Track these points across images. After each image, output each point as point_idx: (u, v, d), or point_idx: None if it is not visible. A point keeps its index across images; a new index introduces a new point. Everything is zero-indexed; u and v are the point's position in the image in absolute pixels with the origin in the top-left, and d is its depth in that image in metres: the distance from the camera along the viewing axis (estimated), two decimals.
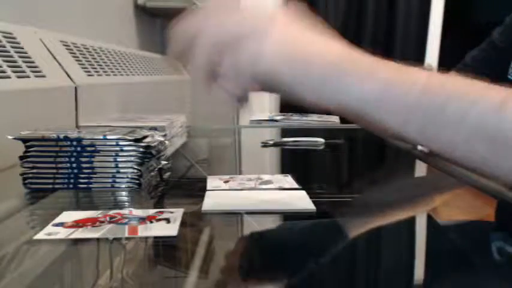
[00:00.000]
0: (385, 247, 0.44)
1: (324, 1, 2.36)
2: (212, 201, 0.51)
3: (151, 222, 0.44)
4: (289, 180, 0.61)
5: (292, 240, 0.44)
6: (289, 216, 0.49)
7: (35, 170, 0.55)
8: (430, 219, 0.53)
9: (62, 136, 0.55)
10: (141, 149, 0.56)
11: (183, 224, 0.43)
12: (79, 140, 0.55)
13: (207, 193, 0.54)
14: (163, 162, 0.63)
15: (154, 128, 0.71)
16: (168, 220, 0.44)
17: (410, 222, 0.53)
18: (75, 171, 0.55)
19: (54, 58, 0.89)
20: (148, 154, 0.58)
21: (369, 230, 0.48)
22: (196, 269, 0.36)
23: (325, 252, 0.41)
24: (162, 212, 0.46)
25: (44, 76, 0.81)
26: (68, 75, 0.90)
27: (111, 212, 0.46)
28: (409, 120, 0.34)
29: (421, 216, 0.56)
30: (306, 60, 0.36)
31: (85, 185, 0.56)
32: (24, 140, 0.55)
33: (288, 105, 0.63)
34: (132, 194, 0.55)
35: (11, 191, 0.57)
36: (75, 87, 0.90)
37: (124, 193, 0.55)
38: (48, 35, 0.93)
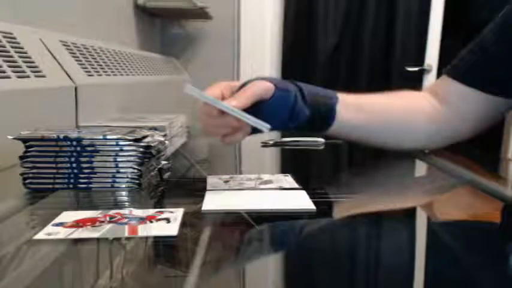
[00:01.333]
0: (385, 247, 0.44)
1: (324, 1, 2.36)
2: (212, 201, 0.51)
3: (151, 222, 0.44)
4: (289, 180, 0.61)
5: (292, 239, 0.44)
6: (289, 216, 0.49)
7: (35, 170, 0.55)
8: (430, 219, 0.53)
9: (62, 136, 0.55)
10: (141, 149, 0.56)
11: (183, 224, 0.43)
12: (79, 140, 0.55)
13: (207, 193, 0.54)
14: (163, 162, 0.63)
15: (154, 128, 0.71)
16: (168, 220, 0.44)
17: (410, 222, 0.53)
18: (75, 171, 0.55)
19: (54, 58, 0.89)
20: (148, 154, 0.58)
21: (369, 230, 0.48)
22: (196, 269, 0.36)
23: (323, 251, 0.41)
24: (162, 212, 0.46)
25: (44, 76, 0.81)
26: (68, 75, 0.90)
27: (111, 212, 0.46)
28: None
29: (420, 216, 0.56)
30: None
31: (85, 185, 0.56)
32: (24, 140, 0.55)
33: None
34: (132, 194, 0.55)
35: (11, 191, 0.57)
36: (75, 87, 0.90)
37: (124, 193, 0.55)
38: (48, 35, 0.93)
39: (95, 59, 1.10)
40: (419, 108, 0.72)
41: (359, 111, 0.68)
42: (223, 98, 0.56)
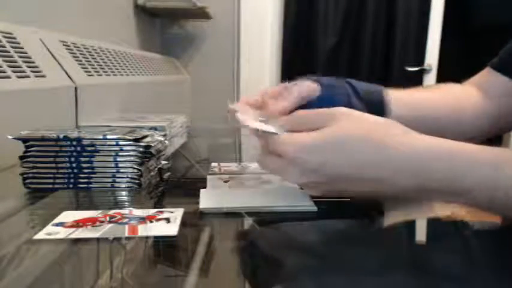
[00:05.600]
0: (385, 248, 0.44)
1: (324, 1, 2.36)
2: (209, 199, 0.51)
3: (151, 222, 0.44)
4: None
5: (292, 239, 0.44)
6: (289, 216, 0.49)
7: (35, 170, 0.55)
8: (430, 220, 0.52)
9: (61, 136, 0.55)
10: (141, 149, 0.56)
11: (183, 223, 0.43)
12: (79, 140, 0.55)
13: (202, 191, 0.54)
14: (163, 162, 0.63)
15: (154, 128, 0.71)
16: (168, 220, 0.44)
17: (410, 222, 0.53)
18: (75, 171, 0.55)
19: (54, 58, 0.89)
20: (148, 154, 0.58)
21: (370, 231, 0.48)
22: (196, 269, 0.36)
23: (325, 252, 0.41)
24: (162, 212, 0.46)
25: (44, 76, 0.81)
26: (68, 75, 0.90)
27: (111, 212, 0.46)
28: None
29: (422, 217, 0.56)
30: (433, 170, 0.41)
31: (85, 185, 0.56)
32: (24, 140, 0.55)
33: None
34: (132, 193, 0.55)
35: (11, 191, 0.57)
36: (75, 87, 0.90)
37: (124, 193, 0.55)
38: (48, 35, 0.93)
39: (94, 59, 1.10)
40: (467, 105, 0.70)
41: (410, 109, 0.66)
42: (262, 106, 0.53)
